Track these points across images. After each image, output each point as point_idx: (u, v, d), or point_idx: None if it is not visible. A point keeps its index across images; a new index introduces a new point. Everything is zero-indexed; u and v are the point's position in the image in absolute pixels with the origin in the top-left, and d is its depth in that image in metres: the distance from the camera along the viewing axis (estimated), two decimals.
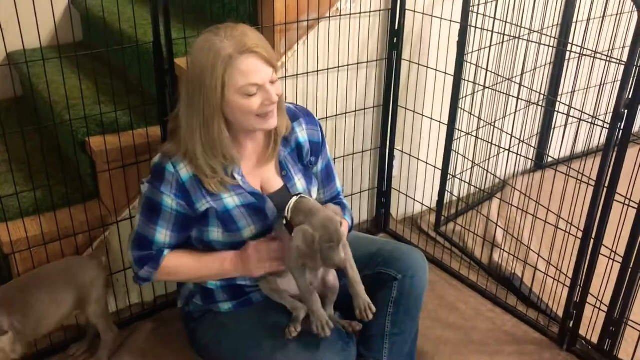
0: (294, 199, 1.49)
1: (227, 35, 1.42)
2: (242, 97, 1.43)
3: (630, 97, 1.61)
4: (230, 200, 1.53)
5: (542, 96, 2.41)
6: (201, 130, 1.45)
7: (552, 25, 2.26)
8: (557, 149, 2.60)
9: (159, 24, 1.73)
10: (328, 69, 2.14)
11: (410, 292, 1.66)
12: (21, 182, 1.88)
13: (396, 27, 2.20)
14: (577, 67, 1.99)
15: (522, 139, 2.23)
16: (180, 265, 1.57)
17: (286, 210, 1.48)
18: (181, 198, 1.51)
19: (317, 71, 2.12)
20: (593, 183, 1.78)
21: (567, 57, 2.53)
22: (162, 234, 1.54)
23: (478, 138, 2.33)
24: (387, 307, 1.66)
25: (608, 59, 1.75)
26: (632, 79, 1.60)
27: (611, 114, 1.67)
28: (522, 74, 2.26)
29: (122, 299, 2.06)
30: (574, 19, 2.40)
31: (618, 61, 1.71)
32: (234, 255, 1.56)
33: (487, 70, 2.20)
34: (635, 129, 1.68)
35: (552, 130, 2.71)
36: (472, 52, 2.21)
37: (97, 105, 1.83)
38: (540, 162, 2.67)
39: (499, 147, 2.29)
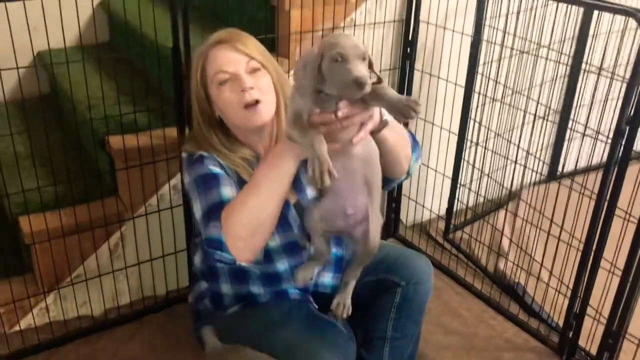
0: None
1: (211, 36, 1.49)
2: (216, 87, 1.46)
3: (632, 113, 1.65)
4: None
5: (550, 110, 2.44)
6: (205, 130, 1.51)
7: (561, 41, 2.29)
8: (564, 162, 2.64)
9: (179, 30, 1.80)
10: None
11: (414, 298, 1.65)
12: (43, 177, 1.97)
13: (410, 38, 2.25)
14: (582, 83, 2.02)
15: (529, 152, 2.26)
16: (235, 198, 1.38)
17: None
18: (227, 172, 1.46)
19: None
20: (595, 197, 1.81)
21: (567, 73, 2.58)
22: (228, 189, 1.41)
23: (487, 149, 2.37)
24: (390, 311, 1.65)
25: (612, 75, 1.79)
26: (634, 95, 1.64)
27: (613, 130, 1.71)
28: (529, 88, 2.29)
29: (135, 291, 2.14)
30: (575, 34, 2.44)
31: (622, 78, 1.74)
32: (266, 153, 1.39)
33: (496, 82, 2.25)
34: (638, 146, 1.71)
35: (562, 143, 2.75)
36: (484, 64, 2.26)
37: (117, 106, 1.91)
38: (547, 175, 2.71)
39: (507, 158, 2.33)
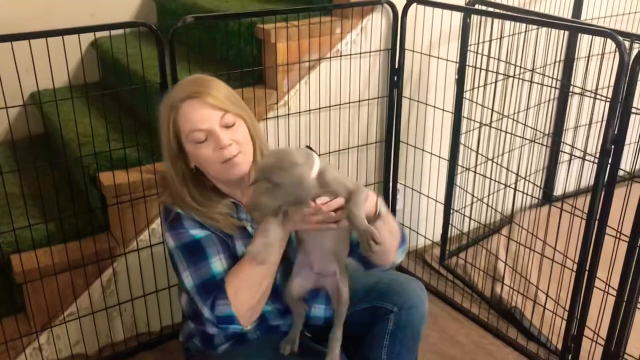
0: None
1: (179, 85, 1.45)
2: (193, 145, 1.42)
3: (616, 132, 1.66)
4: (240, 247, 1.48)
5: (537, 133, 2.46)
6: (179, 186, 1.46)
7: (546, 64, 2.32)
8: (557, 185, 2.66)
9: (166, 66, 1.83)
10: (330, 107, 2.23)
11: (407, 324, 1.62)
12: (35, 215, 1.98)
13: (396, 66, 2.28)
14: (567, 105, 2.05)
15: (518, 174, 2.27)
16: (237, 272, 1.42)
17: None
18: (207, 229, 1.46)
19: (320, 109, 2.21)
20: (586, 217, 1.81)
21: (555, 96, 2.61)
22: (217, 261, 1.43)
23: (478, 174, 2.37)
24: (383, 339, 1.61)
25: (595, 96, 1.80)
26: (617, 115, 1.65)
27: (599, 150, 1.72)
28: (516, 112, 2.31)
29: (129, 328, 2.12)
30: (560, 58, 2.48)
31: (605, 98, 1.76)
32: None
33: (483, 106, 2.27)
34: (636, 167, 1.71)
35: (555, 166, 2.76)
36: (472, 89, 2.28)
37: (108, 142, 1.93)
38: (542, 199, 2.71)
39: (498, 182, 2.33)
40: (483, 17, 2.24)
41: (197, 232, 1.45)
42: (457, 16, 2.24)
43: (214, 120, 1.40)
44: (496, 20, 2.23)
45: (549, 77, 2.36)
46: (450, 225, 2.49)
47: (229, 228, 1.46)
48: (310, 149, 1.42)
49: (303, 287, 1.49)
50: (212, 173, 1.47)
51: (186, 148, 1.45)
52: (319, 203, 1.32)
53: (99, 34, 1.83)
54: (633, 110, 1.63)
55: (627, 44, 1.63)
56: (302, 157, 1.30)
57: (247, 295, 1.40)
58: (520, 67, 2.21)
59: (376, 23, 2.22)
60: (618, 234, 1.75)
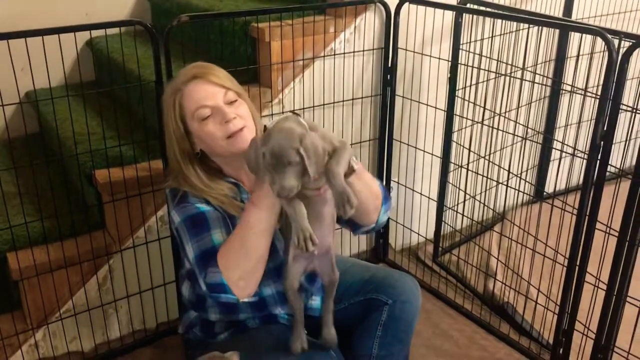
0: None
1: (181, 72, 1.51)
2: (198, 123, 1.48)
3: (605, 129, 1.69)
4: None
5: (529, 131, 2.49)
6: (184, 167, 1.50)
7: (537, 63, 2.35)
8: (548, 181, 2.69)
9: (161, 64, 1.85)
10: (324, 105, 2.25)
11: (401, 317, 1.65)
12: (31, 213, 1.99)
13: (389, 65, 2.30)
14: (558, 102, 2.07)
15: (510, 171, 2.30)
16: (228, 240, 1.41)
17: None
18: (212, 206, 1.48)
19: (314, 107, 2.22)
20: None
21: (547, 94, 2.63)
22: (218, 233, 1.44)
23: (470, 171, 2.40)
24: (376, 330, 1.65)
25: (584, 93, 1.83)
26: (606, 111, 1.68)
27: (589, 147, 1.74)
28: (508, 109, 2.34)
29: (125, 325, 2.14)
30: (549, 58, 2.51)
31: (594, 95, 1.78)
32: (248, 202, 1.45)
33: (475, 104, 2.29)
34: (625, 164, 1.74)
35: (547, 163, 2.79)
36: (464, 87, 2.30)
37: (103, 140, 1.94)
38: (534, 195, 2.74)
39: (490, 179, 2.36)
40: (475, 16, 2.26)
41: (202, 206, 1.47)
42: (449, 15, 2.27)
43: (218, 97, 1.47)
44: (488, 19, 2.25)
45: (540, 75, 2.39)
46: (443, 222, 2.52)
47: (233, 210, 1.49)
48: (295, 113, 1.38)
49: (299, 271, 1.47)
50: (218, 150, 1.50)
51: (192, 128, 1.49)
52: None
53: (94, 33, 1.84)
54: (622, 107, 1.65)
55: (615, 41, 1.65)
56: (298, 125, 1.28)
57: (237, 261, 1.38)
58: (512, 65, 2.24)
59: (369, 22, 2.24)
60: (608, 229, 1.78)
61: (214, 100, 1.48)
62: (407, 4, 2.21)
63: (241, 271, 1.39)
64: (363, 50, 2.26)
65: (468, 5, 2.21)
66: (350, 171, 1.39)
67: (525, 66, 2.26)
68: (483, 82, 2.29)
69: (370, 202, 1.52)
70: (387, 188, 2.50)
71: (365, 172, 1.48)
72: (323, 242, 1.42)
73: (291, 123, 1.30)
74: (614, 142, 1.69)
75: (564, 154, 2.05)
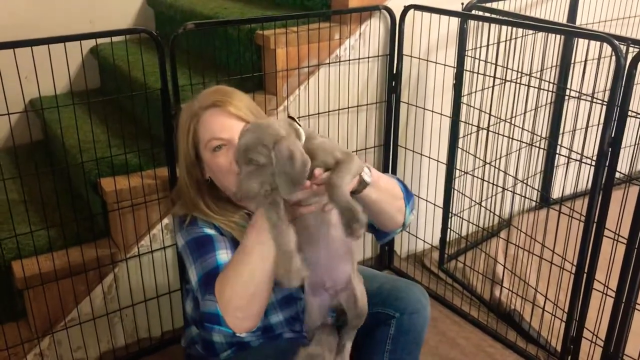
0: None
1: (201, 94, 1.46)
2: (210, 153, 1.43)
3: (613, 135, 1.68)
4: None
5: (534, 136, 2.49)
6: (193, 194, 1.46)
7: (543, 69, 2.35)
8: (554, 187, 2.68)
9: (166, 72, 1.84)
10: (329, 112, 2.24)
11: (409, 329, 1.61)
12: (36, 221, 1.98)
13: (394, 72, 2.30)
14: (565, 108, 2.07)
15: (516, 177, 2.29)
16: (226, 267, 1.33)
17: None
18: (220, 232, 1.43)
19: (319, 114, 2.22)
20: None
21: (552, 100, 2.63)
22: (224, 254, 1.38)
23: (476, 177, 2.39)
24: (385, 344, 1.61)
25: (592, 99, 1.82)
26: (614, 117, 1.67)
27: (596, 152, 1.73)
28: (513, 115, 2.33)
29: (130, 333, 2.13)
30: (554, 64, 2.51)
31: (602, 101, 1.78)
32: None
33: (480, 110, 2.29)
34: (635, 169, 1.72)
35: (552, 169, 2.78)
36: (469, 94, 2.30)
37: (109, 148, 1.94)
38: (540, 201, 2.73)
39: (496, 185, 2.35)
40: (480, 22, 2.26)
41: (209, 231, 1.44)
42: (455, 22, 2.26)
43: (235, 130, 1.36)
44: (493, 26, 2.25)
45: (545, 81, 2.38)
46: (449, 229, 2.51)
47: (241, 236, 1.41)
48: (293, 119, 1.25)
49: (323, 307, 1.36)
50: (227, 184, 1.46)
51: (203, 157, 1.45)
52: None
53: (99, 41, 1.84)
54: (630, 113, 1.65)
55: (623, 48, 1.65)
56: (284, 128, 1.15)
57: (232, 288, 1.27)
58: (517, 71, 2.23)
59: (374, 29, 2.24)
60: (616, 236, 1.77)
61: (229, 133, 1.41)
62: (412, 10, 2.20)
63: (237, 300, 1.27)
64: (368, 57, 2.26)
65: (473, 12, 2.21)
66: (362, 186, 1.29)
67: (531, 72, 2.25)
68: (488, 88, 2.28)
69: (392, 207, 1.45)
70: None
71: (381, 178, 1.38)
72: (336, 274, 1.30)
73: (276, 122, 1.17)
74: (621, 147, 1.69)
75: (570, 160, 2.04)
